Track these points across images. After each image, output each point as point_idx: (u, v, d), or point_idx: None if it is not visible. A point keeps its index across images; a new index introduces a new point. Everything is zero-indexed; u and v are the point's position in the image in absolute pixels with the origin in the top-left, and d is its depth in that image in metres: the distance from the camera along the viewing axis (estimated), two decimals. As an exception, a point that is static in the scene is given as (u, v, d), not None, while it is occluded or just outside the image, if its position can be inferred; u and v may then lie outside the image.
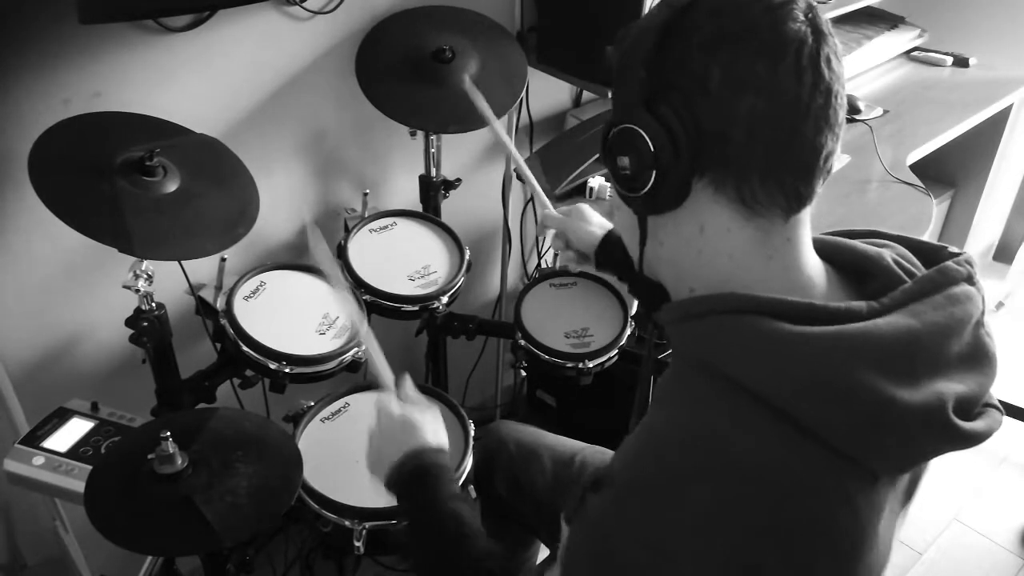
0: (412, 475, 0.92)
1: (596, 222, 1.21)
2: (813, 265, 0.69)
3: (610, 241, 1.18)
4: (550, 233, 1.27)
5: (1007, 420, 2.28)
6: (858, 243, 0.73)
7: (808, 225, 0.69)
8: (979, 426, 0.65)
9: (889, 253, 0.71)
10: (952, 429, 0.62)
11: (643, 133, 0.64)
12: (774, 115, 0.61)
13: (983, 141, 2.40)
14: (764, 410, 0.61)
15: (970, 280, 0.69)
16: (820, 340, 0.61)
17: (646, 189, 0.66)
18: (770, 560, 0.59)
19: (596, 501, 0.64)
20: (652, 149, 0.63)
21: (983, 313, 0.69)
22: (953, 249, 0.71)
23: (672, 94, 0.63)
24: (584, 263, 1.24)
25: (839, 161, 1.86)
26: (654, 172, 0.64)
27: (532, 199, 2.05)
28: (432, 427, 0.97)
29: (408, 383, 1.03)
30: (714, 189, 0.65)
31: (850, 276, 0.71)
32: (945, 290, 0.67)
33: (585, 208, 1.23)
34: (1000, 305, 2.79)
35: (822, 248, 0.72)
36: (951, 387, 0.63)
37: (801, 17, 0.61)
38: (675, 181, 0.64)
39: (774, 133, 0.62)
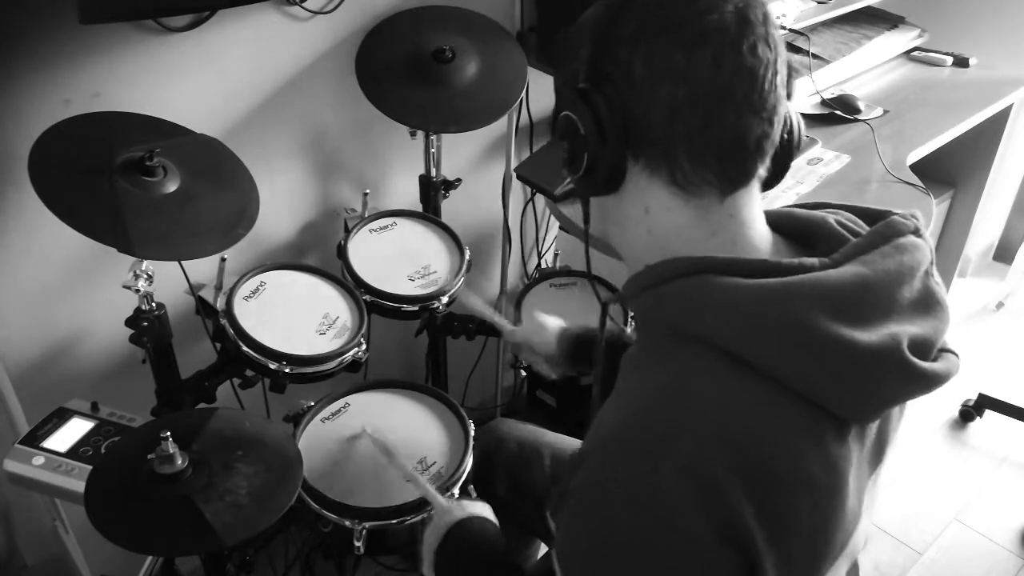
0: (451, 550, 0.97)
1: (551, 328, 1.27)
2: (762, 237, 0.72)
3: (564, 339, 1.25)
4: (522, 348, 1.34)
5: (1007, 420, 2.29)
6: (800, 210, 0.76)
7: (757, 202, 0.72)
8: (937, 367, 0.67)
9: (832, 216, 0.74)
10: (909, 367, 0.64)
11: (576, 119, 0.69)
12: (691, 101, 0.65)
13: (983, 141, 2.40)
14: (731, 364, 0.63)
15: (917, 233, 0.72)
16: (774, 289, 0.63)
17: (581, 171, 0.71)
18: (749, 508, 0.61)
19: (578, 481, 0.66)
20: (583, 133, 0.68)
21: (932, 263, 0.71)
22: (898, 211, 0.74)
23: (604, 84, 0.67)
24: (557, 367, 1.30)
25: (839, 161, 1.86)
26: (585, 155, 0.69)
27: (533, 197, 2.05)
28: (470, 506, 1.02)
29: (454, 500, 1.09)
30: (649, 172, 0.69)
31: (797, 243, 0.74)
32: (893, 241, 0.69)
33: (538, 318, 1.30)
34: (1000, 305, 2.79)
35: (768, 217, 0.75)
36: (905, 328, 0.65)
37: (729, 8, 0.65)
38: (606, 164, 0.69)
39: (693, 118, 0.65)
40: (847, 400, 0.63)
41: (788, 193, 1.69)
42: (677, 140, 0.66)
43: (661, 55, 0.65)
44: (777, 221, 0.75)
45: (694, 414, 0.63)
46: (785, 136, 0.72)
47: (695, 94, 0.65)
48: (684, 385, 0.65)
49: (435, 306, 1.45)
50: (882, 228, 0.70)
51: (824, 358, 0.62)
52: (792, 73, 0.71)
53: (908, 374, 0.64)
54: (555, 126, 0.73)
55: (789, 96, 0.71)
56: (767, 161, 0.70)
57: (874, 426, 0.71)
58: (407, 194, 1.78)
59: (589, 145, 0.69)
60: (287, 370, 1.24)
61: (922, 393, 0.68)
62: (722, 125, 0.66)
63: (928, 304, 0.69)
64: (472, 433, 1.30)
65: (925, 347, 0.67)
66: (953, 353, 0.71)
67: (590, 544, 0.65)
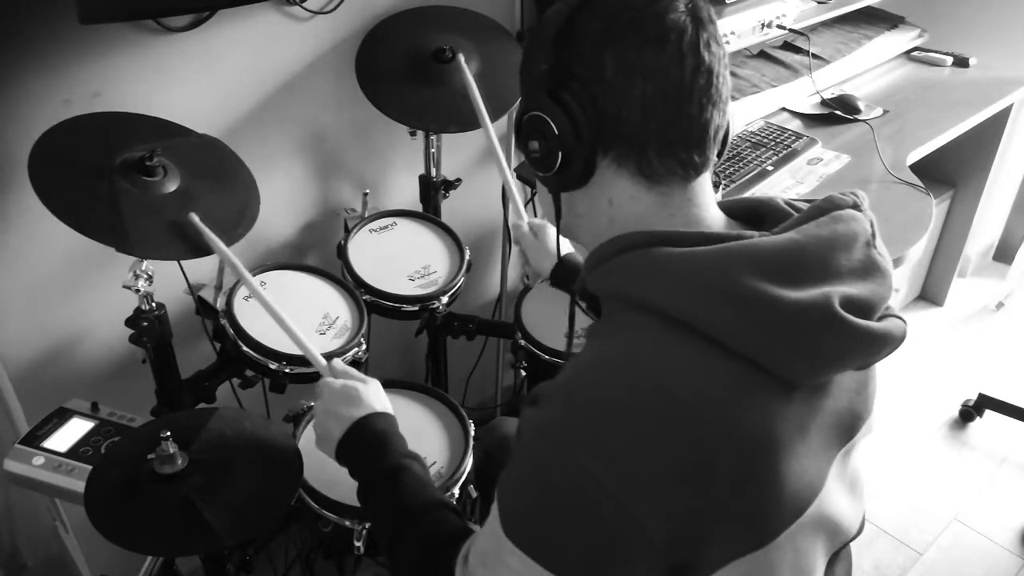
0: (359, 443, 0.93)
1: (552, 253, 1.29)
2: (714, 218, 0.76)
3: (563, 266, 1.27)
4: (516, 248, 1.35)
5: (1007, 420, 2.29)
6: (751, 196, 0.80)
7: (708, 187, 0.76)
8: (877, 326, 0.69)
9: (781, 198, 0.78)
10: (843, 324, 0.66)
11: (548, 119, 0.71)
12: (662, 96, 0.68)
13: (983, 141, 2.40)
14: (672, 326, 0.66)
15: (856, 208, 0.75)
16: (708, 254, 0.67)
17: (555, 169, 0.73)
18: (677, 463, 0.63)
19: (528, 413, 0.70)
20: (557, 133, 0.71)
21: (874, 235, 0.74)
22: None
23: (572, 83, 0.70)
24: (537, 279, 1.33)
25: (839, 161, 1.86)
26: (560, 153, 0.72)
27: (533, 197, 2.05)
28: (374, 394, 0.99)
29: (338, 362, 1.08)
30: (617, 165, 0.72)
31: (749, 224, 0.77)
32: (830, 213, 0.73)
33: (550, 230, 1.29)
34: (1000, 305, 2.79)
35: (721, 205, 0.79)
36: (838, 289, 0.67)
37: (682, 8, 0.69)
38: (580, 160, 0.72)
39: (663, 112, 0.69)
40: (781, 356, 0.65)
41: (788, 193, 1.69)
42: (648, 135, 0.70)
43: (631, 54, 0.68)
44: (730, 206, 0.79)
45: (632, 372, 0.66)
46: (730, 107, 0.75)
47: (664, 91, 0.68)
48: (626, 347, 0.68)
49: (435, 306, 1.45)
50: (820, 203, 0.74)
51: (754, 314, 0.64)
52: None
53: (843, 331, 0.66)
54: (520, 126, 0.75)
55: None
56: (718, 148, 0.75)
57: (836, 396, 0.73)
58: (407, 194, 1.78)
59: (564, 144, 0.71)
60: (287, 370, 1.23)
61: (871, 354, 0.70)
62: (689, 119, 0.70)
63: (868, 270, 0.71)
64: (472, 433, 1.30)
65: (863, 307, 0.69)
66: (899, 318, 0.73)
67: (520, 475, 0.69)
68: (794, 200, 0.79)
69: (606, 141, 0.71)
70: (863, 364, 0.73)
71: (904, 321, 0.73)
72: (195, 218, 1.13)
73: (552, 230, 1.29)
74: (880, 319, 0.71)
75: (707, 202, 0.75)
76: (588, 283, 0.76)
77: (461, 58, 1.32)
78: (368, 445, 0.93)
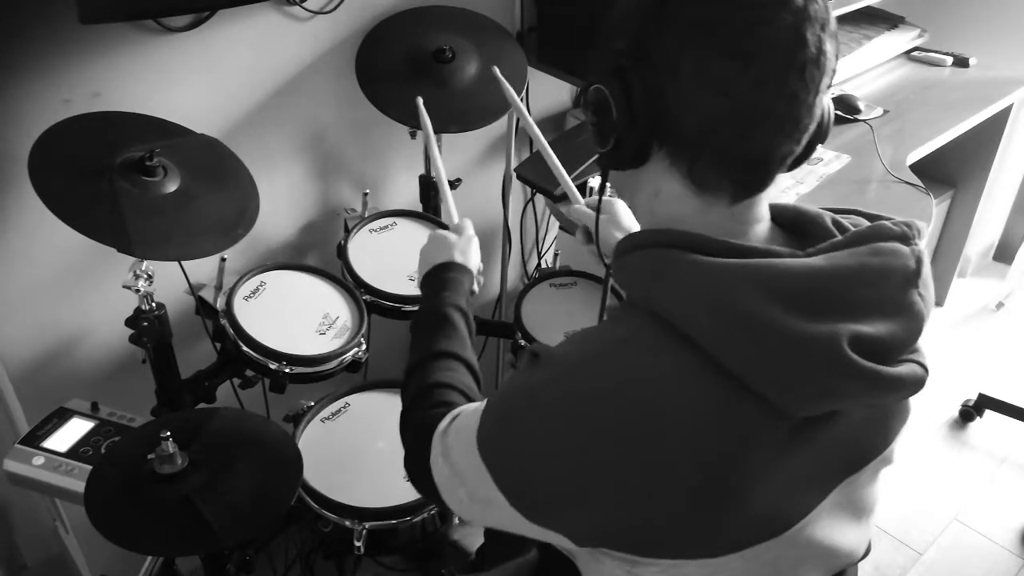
0: (428, 283, 1.02)
1: (624, 226, 1.22)
2: (755, 234, 0.72)
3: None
4: (579, 228, 1.28)
5: (1007, 420, 2.29)
6: (803, 205, 0.76)
7: (764, 204, 0.72)
8: (885, 370, 0.64)
9: (831, 216, 0.73)
10: (845, 362, 0.62)
11: (610, 98, 0.67)
12: (730, 116, 0.64)
13: (983, 141, 2.40)
14: (670, 335, 0.65)
15: (904, 240, 0.70)
16: (721, 266, 0.64)
17: (607, 148, 0.71)
18: (630, 462, 0.63)
19: (525, 366, 0.72)
20: (615, 115, 0.67)
21: (916, 273, 0.69)
22: (898, 219, 0.74)
23: (644, 68, 0.65)
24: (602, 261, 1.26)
25: (839, 161, 1.86)
26: (614, 135, 0.69)
27: (533, 197, 2.05)
28: (461, 248, 1.05)
29: (467, 222, 1.13)
30: (670, 162, 0.69)
31: (794, 235, 0.74)
32: (872, 243, 0.69)
33: (620, 207, 1.24)
34: (1000, 305, 2.79)
35: (772, 208, 0.75)
36: (851, 327, 0.63)
37: (788, 19, 0.61)
38: (631, 147, 0.69)
39: (727, 132, 0.64)
40: (774, 385, 0.62)
41: (788, 193, 1.69)
42: (704, 147, 0.66)
43: (710, 61, 0.62)
44: (781, 213, 0.75)
45: (617, 371, 0.66)
46: (813, 128, 0.69)
47: (734, 110, 0.63)
48: (622, 345, 0.68)
49: (435, 306, 1.45)
50: (865, 230, 0.70)
51: (751, 337, 0.62)
52: (835, 71, 0.68)
53: (845, 371, 0.62)
54: (585, 94, 0.72)
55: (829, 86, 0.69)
56: (784, 170, 0.70)
57: (841, 428, 0.70)
58: (407, 194, 1.78)
59: (618, 126, 0.68)
60: (287, 370, 1.23)
61: (876, 397, 0.66)
62: (751, 144, 0.65)
63: (896, 309, 0.67)
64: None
65: (877, 348, 0.64)
66: (922, 366, 0.69)
67: (501, 412, 0.72)
68: (844, 218, 0.74)
69: (663, 136, 0.67)
70: (870, 405, 0.70)
71: (925, 369, 0.69)
72: (496, 71, 1.33)
73: (619, 204, 1.21)
74: (900, 362, 0.67)
75: (754, 218, 0.71)
76: (611, 270, 0.75)
77: (496, 71, 1.35)
78: (431, 286, 1.00)
